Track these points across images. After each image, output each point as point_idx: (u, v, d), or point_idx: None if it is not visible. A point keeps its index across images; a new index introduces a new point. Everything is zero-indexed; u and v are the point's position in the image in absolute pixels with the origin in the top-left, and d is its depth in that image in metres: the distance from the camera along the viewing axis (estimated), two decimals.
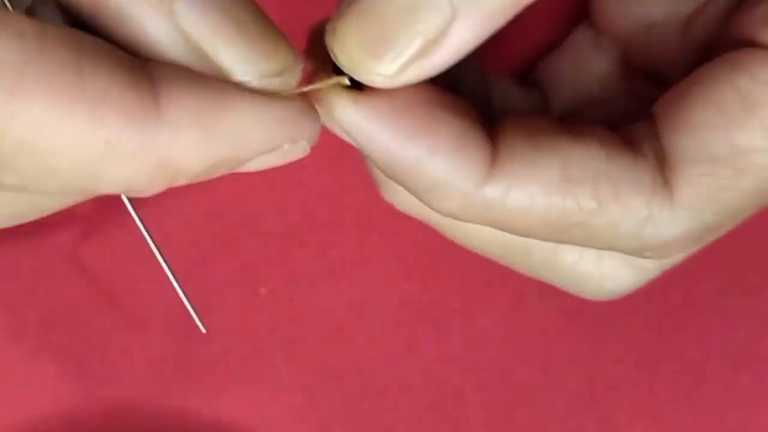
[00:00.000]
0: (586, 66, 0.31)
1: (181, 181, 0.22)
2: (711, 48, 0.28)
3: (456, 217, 0.25)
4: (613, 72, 0.31)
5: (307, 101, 0.24)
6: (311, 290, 0.38)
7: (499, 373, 0.38)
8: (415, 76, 0.23)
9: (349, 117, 0.24)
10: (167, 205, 0.37)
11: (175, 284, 0.28)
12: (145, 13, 0.21)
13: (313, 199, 0.37)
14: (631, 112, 0.28)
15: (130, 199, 0.26)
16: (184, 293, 0.28)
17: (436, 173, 0.24)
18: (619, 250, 0.26)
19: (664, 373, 0.38)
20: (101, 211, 0.37)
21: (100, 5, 0.21)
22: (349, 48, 0.23)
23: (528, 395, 0.38)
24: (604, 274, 0.29)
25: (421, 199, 0.25)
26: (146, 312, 0.37)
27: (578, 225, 0.25)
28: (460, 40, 0.23)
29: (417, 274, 0.37)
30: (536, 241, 0.27)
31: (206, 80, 0.22)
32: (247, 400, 0.38)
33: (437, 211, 0.25)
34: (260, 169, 0.24)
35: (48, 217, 0.37)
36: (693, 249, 0.28)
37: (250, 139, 0.22)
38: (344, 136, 0.25)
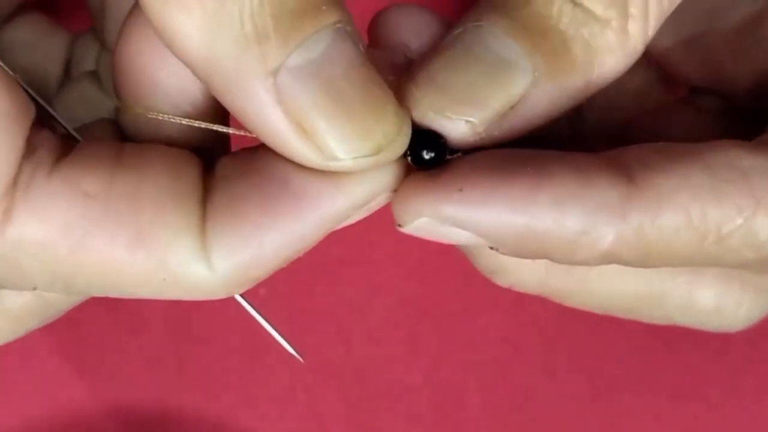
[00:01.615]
0: (618, 84, 0.30)
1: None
2: None
3: (606, 261, 0.23)
4: (651, 86, 0.30)
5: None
6: (311, 290, 0.38)
7: (499, 372, 0.38)
8: (498, 137, 0.23)
9: (454, 211, 0.22)
10: None
11: (265, 324, 0.28)
12: (250, 85, 0.21)
13: None
14: (698, 125, 0.27)
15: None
16: (276, 331, 0.28)
17: (572, 223, 0.22)
18: None
19: (664, 372, 0.38)
20: None
21: (215, 76, 0.21)
22: (432, 96, 0.23)
23: (528, 395, 0.38)
24: (738, 302, 0.27)
25: (562, 260, 0.23)
26: (146, 313, 0.37)
27: (740, 230, 0.23)
28: (537, 106, 0.23)
29: (417, 274, 0.37)
30: (672, 285, 0.26)
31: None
32: (246, 399, 0.38)
33: (583, 263, 0.23)
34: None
35: None
36: None
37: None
38: (440, 237, 0.23)
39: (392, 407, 0.38)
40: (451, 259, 0.37)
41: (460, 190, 0.22)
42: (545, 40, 0.23)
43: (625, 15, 0.23)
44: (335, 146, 0.21)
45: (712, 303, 0.27)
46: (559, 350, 0.38)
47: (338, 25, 0.21)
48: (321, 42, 0.21)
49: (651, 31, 0.23)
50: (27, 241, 0.21)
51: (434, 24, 0.25)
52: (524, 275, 0.25)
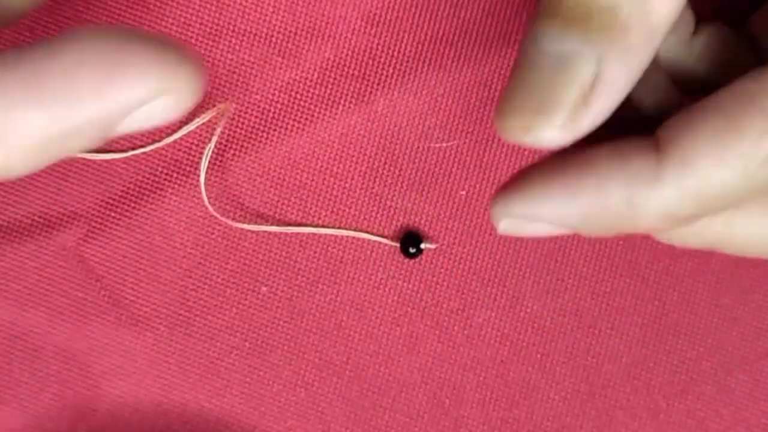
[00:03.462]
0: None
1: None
2: None
3: (671, 222, 0.25)
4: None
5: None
6: (312, 289, 0.38)
7: (497, 370, 0.38)
8: (585, 126, 0.24)
9: (522, 210, 0.25)
10: (168, 205, 0.37)
11: None
12: None
13: (313, 198, 0.37)
14: None
15: None
16: None
17: (617, 198, 0.24)
18: None
19: (660, 370, 0.38)
20: (104, 211, 0.37)
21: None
22: (513, 117, 0.24)
23: (526, 392, 0.38)
24: None
25: (632, 230, 0.25)
26: (149, 310, 0.37)
27: None
28: (614, 82, 0.24)
29: (417, 274, 0.38)
30: None
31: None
32: (248, 398, 0.38)
33: (653, 229, 0.25)
34: (132, 130, 0.23)
35: (51, 216, 0.37)
36: None
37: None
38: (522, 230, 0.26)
39: (392, 405, 0.38)
40: (450, 259, 0.38)
41: (523, 191, 0.25)
42: (592, 18, 0.23)
43: None
44: None
45: None
46: (557, 348, 0.38)
47: None
48: None
49: None
50: None
51: None
52: (680, 233, 0.26)
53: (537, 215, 0.25)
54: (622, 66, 0.24)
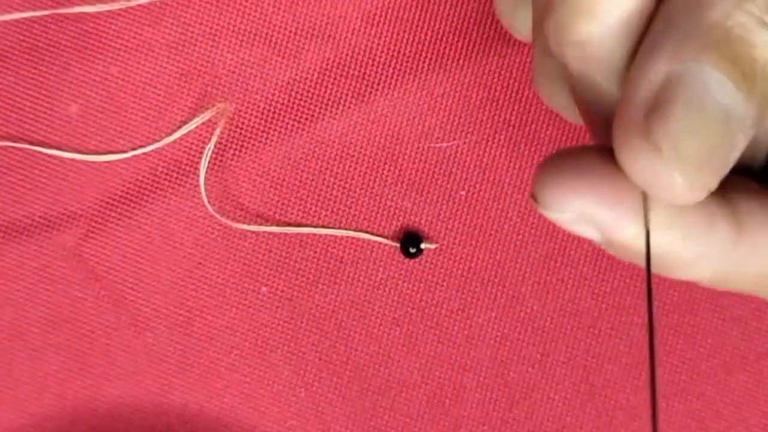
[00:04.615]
0: None
1: None
2: None
3: (714, 283, 0.24)
4: None
5: None
6: (312, 289, 0.38)
7: (497, 370, 0.38)
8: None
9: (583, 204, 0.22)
10: (169, 205, 0.37)
11: None
12: None
13: (313, 198, 0.37)
14: None
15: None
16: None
17: (690, 253, 0.23)
18: None
19: (660, 370, 0.38)
20: (104, 211, 0.37)
21: None
22: (682, 171, 0.20)
23: (526, 393, 0.38)
24: None
25: (670, 274, 0.23)
26: (149, 310, 0.37)
27: None
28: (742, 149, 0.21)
29: (417, 274, 0.38)
30: None
31: None
32: (248, 398, 0.38)
33: (688, 278, 0.24)
34: None
35: (51, 216, 0.37)
36: None
37: None
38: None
39: (392, 405, 0.38)
40: (450, 259, 0.38)
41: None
42: (755, 78, 0.20)
43: None
44: None
45: None
46: (557, 348, 0.38)
47: None
48: None
49: None
50: None
51: None
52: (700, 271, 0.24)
53: (598, 221, 0.22)
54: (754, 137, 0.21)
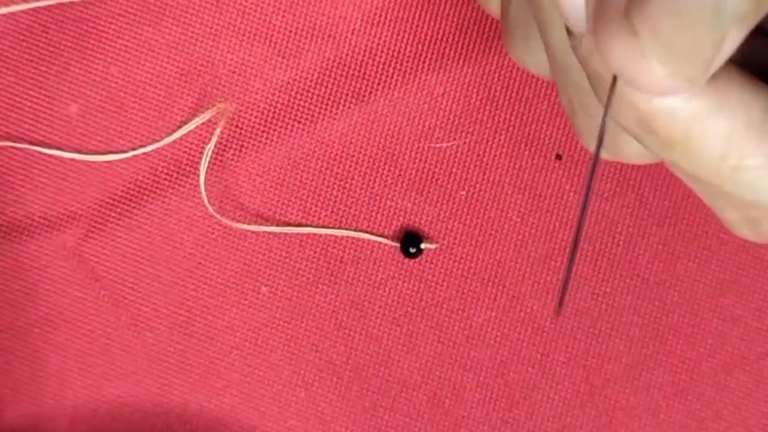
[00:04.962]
0: None
1: None
2: None
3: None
4: None
5: None
6: (312, 289, 0.38)
7: (497, 370, 0.38)
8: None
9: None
10: (169, 205, 0.37)
11: None
12: None
13: (313, 198, 0.37)
14: None
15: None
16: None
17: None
18: None
19: (660, 370, 0.38)
20: (104, 211, 0.37)
21: None
22: (658, 54, 0.19)
23: (526, 393, 0.38)
24: None
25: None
26: (149, 310, 0.38)
27: None
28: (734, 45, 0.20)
29: (417, 274, 0.38)
30: None
31: None
32: (248, 398, 0.38)
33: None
34: None
35: (51, 216, 0.37)
36: None
37: None
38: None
39: (392, 405, 0.38)
40: (450, 258, 0.38)
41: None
42: None
43: None
44: None
45: None
46: (557, 348, 0.38)
47: None
48: None
49: None
50: None
51: None
52: None
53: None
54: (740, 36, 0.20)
